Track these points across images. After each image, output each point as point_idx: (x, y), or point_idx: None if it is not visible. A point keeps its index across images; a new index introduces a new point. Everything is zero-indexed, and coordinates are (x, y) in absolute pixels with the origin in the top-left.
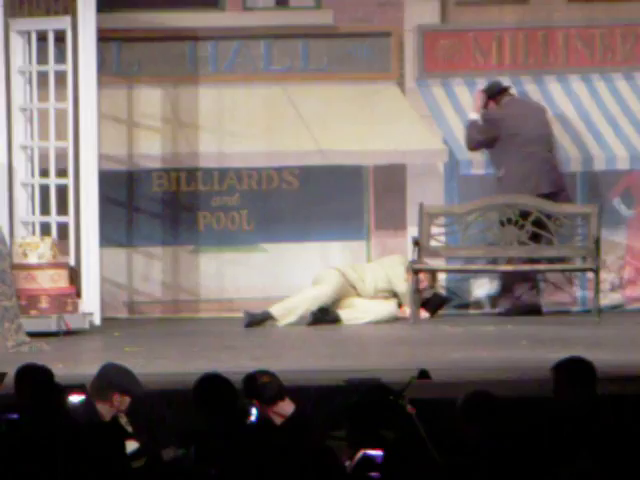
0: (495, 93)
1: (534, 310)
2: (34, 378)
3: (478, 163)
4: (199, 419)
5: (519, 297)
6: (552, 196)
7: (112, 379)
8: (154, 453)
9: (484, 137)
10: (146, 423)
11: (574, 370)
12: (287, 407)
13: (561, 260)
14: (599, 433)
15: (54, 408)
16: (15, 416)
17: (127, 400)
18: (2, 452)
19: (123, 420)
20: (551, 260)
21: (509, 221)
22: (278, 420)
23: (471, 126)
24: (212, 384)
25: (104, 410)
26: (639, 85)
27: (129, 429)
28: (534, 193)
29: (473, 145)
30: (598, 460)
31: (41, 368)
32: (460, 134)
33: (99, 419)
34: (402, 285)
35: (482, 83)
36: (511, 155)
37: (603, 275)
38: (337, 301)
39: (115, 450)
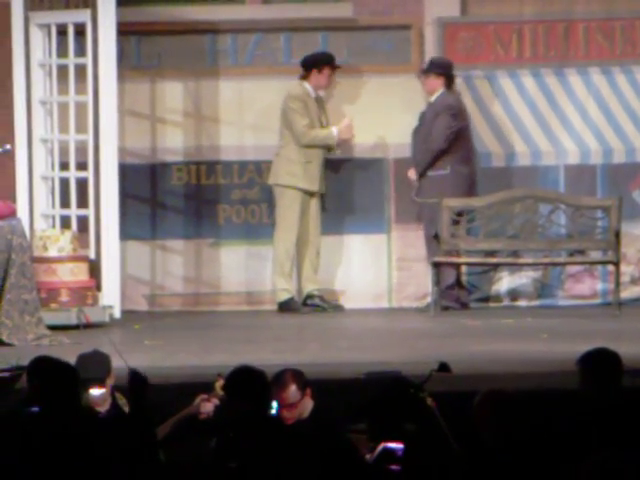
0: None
1: (464, 305)
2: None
3: (497, 155)
4: (220, 412)
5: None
6: None
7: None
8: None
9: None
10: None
11: (601, 362)
12: (307, 404)
13: (581, 252)
14: (624, 425)
15: (75, 401)
16: (36, 409)
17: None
18: (25, 445)
19: (122, 401)
20: (571, 253)
21: (529, 213)
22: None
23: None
24: (247, 375)
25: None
26: None
27: (126, 409)
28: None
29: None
30: (622, 452)
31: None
32: (481, 126)
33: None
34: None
35: (502, 75)
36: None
37: (623, 268)
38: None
39: (143, 441)
